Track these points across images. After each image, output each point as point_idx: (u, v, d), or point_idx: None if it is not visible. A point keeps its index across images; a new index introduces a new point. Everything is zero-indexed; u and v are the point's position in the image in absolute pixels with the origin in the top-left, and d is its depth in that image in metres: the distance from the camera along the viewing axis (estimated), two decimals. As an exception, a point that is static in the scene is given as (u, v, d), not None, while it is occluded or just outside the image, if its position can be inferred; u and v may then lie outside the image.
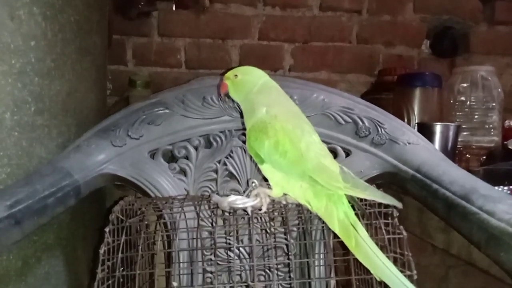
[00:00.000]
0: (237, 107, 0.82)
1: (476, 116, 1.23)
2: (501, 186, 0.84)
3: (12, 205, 0.61)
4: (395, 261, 0.59)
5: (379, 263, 0.56)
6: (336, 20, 1.64)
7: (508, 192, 0.83)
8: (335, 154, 0.82)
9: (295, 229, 0.81)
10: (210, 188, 0.83)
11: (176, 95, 0.83)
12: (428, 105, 1.20)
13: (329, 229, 0.62)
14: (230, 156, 0.83)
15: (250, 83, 0.70)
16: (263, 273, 0.84)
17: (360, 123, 0.82)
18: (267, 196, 0.67)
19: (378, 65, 1.67)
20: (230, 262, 0.82)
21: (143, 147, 0.82)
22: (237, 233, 0.82)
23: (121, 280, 0.63)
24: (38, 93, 0.75)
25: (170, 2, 1.56)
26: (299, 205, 0.68)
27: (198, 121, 0.83)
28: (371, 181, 0.80)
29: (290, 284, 0.83)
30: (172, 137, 0.83)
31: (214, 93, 0.82)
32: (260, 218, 0.82)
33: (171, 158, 0.84)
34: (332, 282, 0.78)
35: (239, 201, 0.66)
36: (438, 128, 1.01)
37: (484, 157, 1.16)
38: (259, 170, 0.71)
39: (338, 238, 0.60)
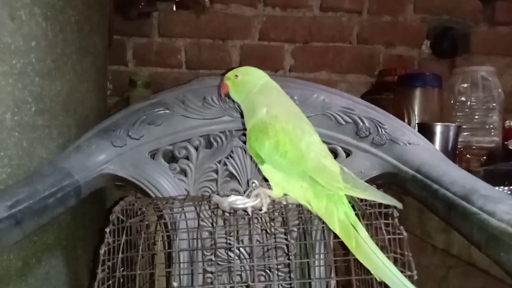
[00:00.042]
0: (237, 108, 0.82)
1: (476, 117, 1.23)
2: (502, 187, 0.84)
3: (13, 205, 0.61)
4: (395, 262, 0.59)
5: (379, 264, 0.56)
6: (337, 21, 1.64)
7: (509, 192, 0.83)
8: (335, 154, 0.82)
9: (295, 229, 0.81)
10: (210, 189, 0.83)
11: (176, 95, 0.83)
12: (429, 105, 1.20)
13: (329, 229, 0.62)
14: (231, 157, 0.83)
15: (251, 83, 0.70)
16: (264, 273, 0.84)
17: (361, 123, 0.82)
18: (267, 196, 0.67)
19: (379, 65, 1.67)
20: (230, 263, 0.82)
21: (144, 147, 0.82)
22: (237, 233, 0.82)
23: (122, 280, 0.63)
24: (38, 93, 0.75)
25: (171, 2, 1.56)
26: (299, 206, 0.68)
27: (198, 121, 0.83)
28: (371, 181, 0.80)
29: (290, 284, 0.83)
30: (173, 138, 0.83)
31: (215, 94, 0.82)
32: (261, 218, 0.82)
33: (171, 158, 0.84)
34: (333, 283, 0.78)
35: (239, 201, 0.67)
36: (438, 128, 1.01)
37: (485, 158, 1.16)
38: (259, 171, 0.71)
39: (338, 238, 0.60)
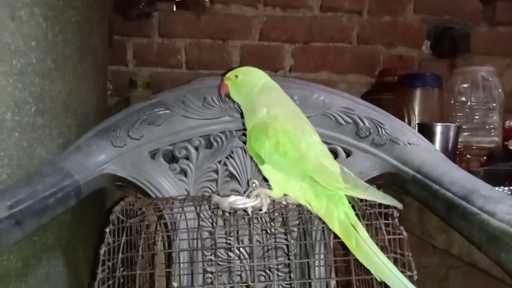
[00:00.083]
0: (237, 108, 0.82)
1: (476, 117, 1.23)
2: (502, 187, 0.84)
3: (13, 205, 0.61)
4: (395, 262, 0.59)
5: (379, 264, 0.56)
6: (337, 21, 1.64)
7: (509, 192, 0.83)
8: (335, 154, 0.82)
9: (295, 229, 0.81)
10: (210, 189, 0.83)
11: (176, 95, 0.83)
12: (429, 105, 1.20)
13: (330, 229, 0.62)
14: (231, 157, 0.83)
15: (251, 83, 0.70)
16: (264, 274, 0.84)
17: (361, 123, 0.82)
18: (267, 196, 0.67)
19: (379, 65, 1.67)
20: (230, 263, 0.82)
21: (144, 147, 0.82)
22: (237, 233, 0.82)
23: (122, 280, 0.63)
24: (38, 93, 0.75)
25: (171, 2, 1.56)
26: (299, 206, 0.68)
27: (198, 121, 0.83)
28: (371, 181, 0.80)
29: (290, 284, 0.83)
30: (173, 138, 0.83)
31: (215, 94, 0.82)
32: (261, 218, 0.82)
33: (171, 158, 0.84)
34: (333, 283, 0.78)
35: (239, 201, 0.67)
36: (438, 128, 1.01)
37: (485, 158, 1.16)
38: (259, 171, 0.71)
39: (339, 238, 0.60)
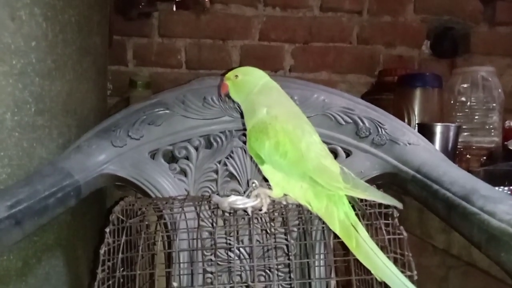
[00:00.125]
0: (237, 108, 0.82)
1: (476, 117, 1.23)
2: (502, 187, 0.84)
3: (13, 205, 0.61)
4: (395, 262, 0.59)
5: (379, 264, 0.56)
6: (337, 21, 1.64)
7: (509, 192, 0.83)
8: (335, 154, 0.82)
9: (295, 229, 0.81)
10: (210, 189, 0.83)
11: (176, 95, 0.83)
12: (429, 105, 1.20)
13: (329, 229, 0.62)
14: (231, 157, 0.83)
15: (251, 83, 0.70)
16: (264, 274, 0.84)
17: (361, 123, 0.82)
18: (267, 196, 0.67)
19: (379, 65, 1.67)
20: (230, 263, 0.82)
21: (144, 147, 0.82)
22: (237, 233, 0.82)
23: (122, 280, 0.63)
24: (38, 93, 0.75)
25: (171, 2, 1.56)
26: (299, 206, 0.68)
27: (198, 121, 0.83)
28: (371, 181, 0.80)
29: (290, 284, 0.83)
30: (173, 138, 0.83)
31: (215, 94, 0.82)
32: (261, 218, 0.82)
33: (171, 158, 0.84)
34: (333, 283, 0.78)
35: (239, 201, 0.67)
36: (438, 128, 1.01)
37: (485, 158, 1.16)
38: (259, 171, 0.71)
39: (339, 238, 0.60)
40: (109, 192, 1.08)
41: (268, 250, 0.83)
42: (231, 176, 0.84)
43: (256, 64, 0.76)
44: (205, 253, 0.82)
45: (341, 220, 0.60)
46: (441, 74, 1.26)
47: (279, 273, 0.85)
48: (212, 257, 0.82)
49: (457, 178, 0.68)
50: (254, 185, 0.71)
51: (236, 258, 0.83)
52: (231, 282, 0.80)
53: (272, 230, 0.82)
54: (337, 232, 0.60)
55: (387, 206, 0.63)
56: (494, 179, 0.79)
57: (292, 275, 0.82)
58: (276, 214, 0.75)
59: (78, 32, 0.85)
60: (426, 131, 0.99)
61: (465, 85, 1.24)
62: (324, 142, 0.68)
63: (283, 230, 0.82)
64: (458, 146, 1.08)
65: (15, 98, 0.71)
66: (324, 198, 0.62)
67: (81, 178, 0.75)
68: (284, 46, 1.63)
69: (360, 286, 0.67)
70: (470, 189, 0.64)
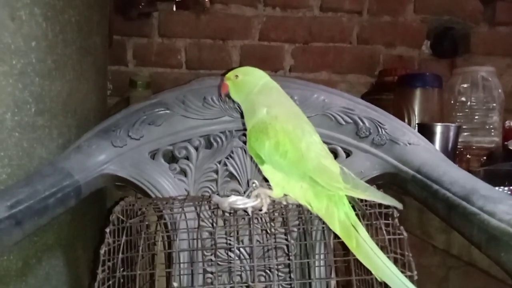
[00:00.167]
0: (237, 108, 0.82)
1: (476, 117, 1.23)
2: (502, 187, 0.84)
3: (13, 205, 0.61)
4: (395, 262, 0.59)
5: (380, 264, 0.56)
6: (337, 21, 1.64)
7: (509, 192, 0.83)
8: (335, 154, 0.82)
9: (295, 229, 0.81)
10: (210, 189, 0.83)
11: (176, 95, 0.83)
12: (429, 105, 1.20)
13: (330, 229, 0.62)
14: (231, 157, 0.83)
15: (251, 83, 0.70)
16: (264, 274, 0.84)
17: (361, 123, 0.82)
18: (267, 196, 0.67)
19: (379, 65, 1.67)
20: (230, 263, 0.82)
21: (144, 147, 0.82)
22: (237, 233, 0.82)
23: (122, 280, 0.63)
24: (38, 93, 0.75)
25: (171, 2, 1.56)
26: (299, 206, 0.68)
27: (198, 121, 0.83)
28: (371, 181, 0.80)
29: (290, 284, 0.83)
30: (173, 138, 0.83)
31: (215, 94, 0.82)
32: (261, 218, 0.82)
33: (171, 158, 0.84)
34: (333, 283, 0.78)
35: (239, 201, 0.66)
36: (438, 128, 1.01)
37: (485, 158, 1.16)
38: (259, 171, 0.71)
39: (339, 238, 0.60)
40: (109, 192, 1.08)
41: (268, 250, 0.83)
42: (231, 176, 0.84)
43: (256, 64, 0.76)
44: (205, 253, 0.82)
45: (341, 220, 0.60)
46: (441, 74, 1.26)
47: (279, 273, 0.85)
48: (212, 257, 0.82)
49: (457, 178, 0.68)
50: (254, 185, 0.71)
51: (236, 258, 0.83)
52: (231, 282, 0.80)
53: (272, 230, 0.82)
54: (337, 232, 0.60)
55: (387, 206, 0.63)
56: (494, 179, 0.79)
57: (292, 275, 0.82)
58: (276, 214, 0.75)
59: (78, 32, 0.85)
60: (426, 131, 0.99)
61: (465, 85, 1.25)
62: (324, 142, 0.68)
63: (283, 230, 0.82)
64: (458, 146, 1.08)
65: (15, 98, 0.71)
66: (324, 198, 0.62)
67: (81, 178, 0.75)
68: (284, 46, 1.63)
69: (360, 286, 0.67)
70: (470, 189, 0.64)
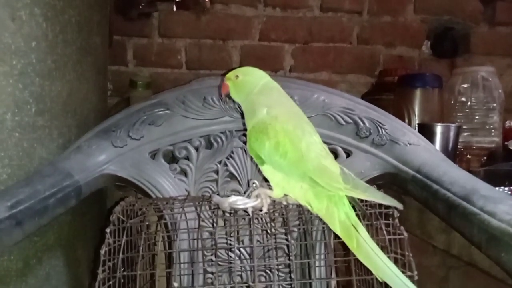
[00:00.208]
0: (238, 108, 0.82)
1: (476, 117, 1.23)
2: (502, 187, 0.84)
3: (13, 205, 0.61)
4: (396, 262, 0.59)
5: (380, 264, 0.56)
6: (337, 21, 1.64)
7: (509, 192, 0.83)
8: (335, 154, 0.82)
9: (295, 229, 0.81)
10: (210, 189, 0.83)
11: (176, 95, 0.83)
12: (429, 105, 1.20)
13: (330, 229, 0.62)
14: (231, 157, 0.83)
15: (251, 83, 0.70)
16: (264, 274, 0.84)
17: (361, 123, 0.82)
18: (267, 197, 0.67)
19: (379, 65, 1.67)
20: (231, 263, 0.82)
21: (144, 147, 0.82)
22: (237, 233, 0.82)
23: (122, 280, 0.63)
24: (39, 94, 0.75)
25: (171, 3, 1.56)
26: (299, 206, 0.68)
27: (198, 121, 0.83)
28: (371, 181, 0.80)
29: (291, 284, 0.83)
30: (173, 138, 0.83)
31: (215, 94, 0.82)
32: (261, 218, 0.82)
33: (171, 158, 0.84)
34: (333, 283, 0.78)
35: (240, 201, 0.66)
36: (438, 128, 1.01)
37: (485, 158, 1.16)
38: (259, 171, 0.71)
39: (339, 238, 0.60)
40: (109, 193, 1.08)
41: (268, 250, 0.83)
42: (232, 176, 0.84)
43: (256, 64, 0.76)
44: (206, 254, 0.82)
45: (342, 220, 0.60)
46: (441, 74, 1.26)
47: (280, 273, 0.85)
48: (213, 258, 0.82)
49: (457, 178, 0.68)
50: (254, 185, 0.71)
51: (237, 258, 0.83)
52: (232, 282, 0.80)
53: (273, 230, 0.82)
54: (338, 233, 0.60)
55: (387, 207, 0.63)
56: (494, 179, 0.79)
57: (292, 275, 0.82)
58: (276, 214, 0.75)
59: (78, 32, 0.85)
60: (426, 131, 0.99)
61: (465, 85, 1.25)
62: (324, 142, 0.68)
63: (283, 231, 0.82)
64: (459, 146, 1.08)
65: (16, 99, 0.71)
66: (325, 199, 0.62)
67: (82, 178, 0.75)
68: (284, 46, 1.63)
69: (360, 286, 0.67)
70: (470, 189, 0.64)
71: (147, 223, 0.73)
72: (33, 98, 0.74)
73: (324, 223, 0.65)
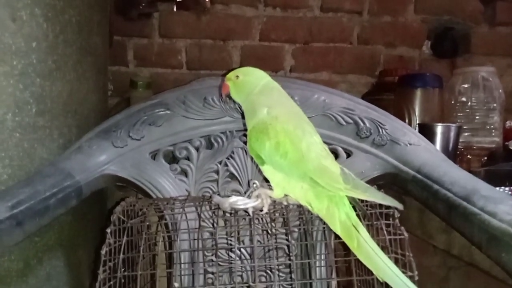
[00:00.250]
0: (238, 108, 0.82)
1: (477, 117, 1.23)
2: (502, 187, 0.84)
3: (14, 206, 0.61)
4: (396, 262, 0.59)
5: (381, 264, 0.56)
6: (337, 21, 1.64)
7: (509, 193, 0.83)
8: (336, 155, 0.82)
9: (296, 230, 0.81)
10: (211, 189, 0.83)
11: (177, 96, 0.83)
12: (429, 105, 1.20)
13: (330, 230, 0.63)
14: (231, 157, 0.83)
15: (252, 84, 0.70)
16: (264, 274, 0.84)
17: (361, 124, 0.82)
18: (268, 197, 0.67)
19: (379, 66, 1.67)
20: (231, 263, 0.82)
21: (144, 148, 0.82)
22: (238, 234, 0.82)
23: (123, 281, 0.63)
24: (39, 94, 0.75)
25: (171, 3, 1.56)
26: (300, 206, 0.68)
27: (199, 122, 0.83)
28: (372, 182, 0.80)
29: (291, 285, 0.83)
30: (173, 138, 0.83)
31: (215, 94, 0.82)
32: (261, 219, 0.82)
33: (172, 159, 0.84)
34: (333, 283, 0.78)
35: (240, 202, 0.67)
36: (439, 129, 1.01)
37: (485, 158, 1.16)
38: (260, 171, 0.71)
39: (339, 238, 0.60)
40: (110, 193, 1.08)
41: (269, 250, 0.83)
42: (232, 176, 0.84)
43: (257, 64, 0.76)
44: (206, 254, 0.82)
45: (342, 220, 0.60)
46: (441, 75, 1.26)
47: (280, 274, 0.85)
48: (213, 258, 0.82)
49: (457, 179, 0.68)
50: (255, 185, 0.71)
51: (237, 258, 0.83)
52: (232, 282, 0.80)
53: (273, 230, 0.82)
54: (338, 233, 0.60)
55: (387, 207, 0.63)
56: (495, 180, 0.79)
57: (293, 276, 0.82)
58: (277, 214, 0.75)
59: (79, 32, 0.85)
60: (426, 131, 0.99)
61: (465, 85, 1.25)
62: (324, 142, 0.68)
63: (284, 231, 0.82)
64: (459, 147, 1.08)
65: (16, 99, 0.71)
66: (325, 199, 0.62)
67: (82, 178, 0.75)
68: (284, 47, 1.63)
69: (361, 287, 0.67)
70: (471, 189, 0.64)
71: (147, 223, 0.73)
72: (33, 98, 0.74)
73: (324, 223, 0.65)
